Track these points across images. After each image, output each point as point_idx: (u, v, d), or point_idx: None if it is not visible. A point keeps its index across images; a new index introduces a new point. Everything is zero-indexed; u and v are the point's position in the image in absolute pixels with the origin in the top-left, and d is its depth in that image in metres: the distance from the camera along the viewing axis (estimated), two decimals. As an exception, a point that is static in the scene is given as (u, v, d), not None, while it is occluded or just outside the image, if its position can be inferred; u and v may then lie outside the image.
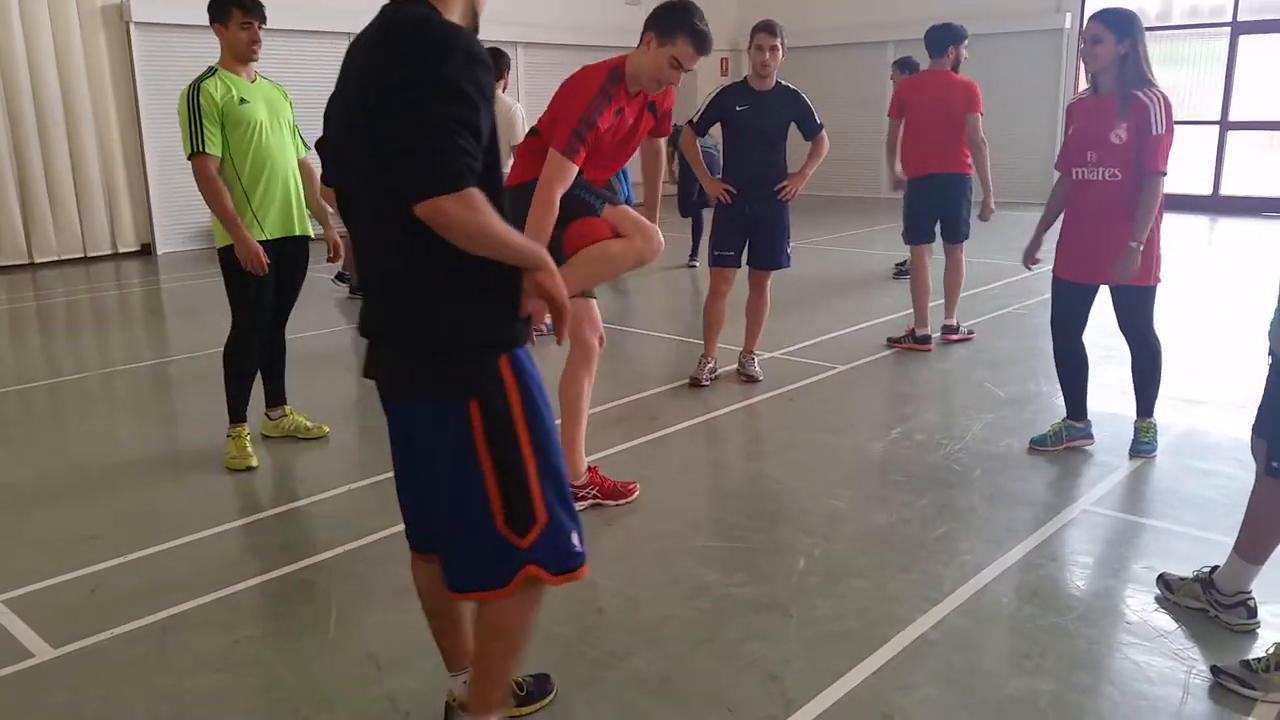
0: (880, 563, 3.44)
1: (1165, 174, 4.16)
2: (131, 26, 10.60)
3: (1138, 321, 4.33)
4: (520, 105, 6.56)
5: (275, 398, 4.84)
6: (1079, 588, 3.26)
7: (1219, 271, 9.61)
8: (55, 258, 10.56)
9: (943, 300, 6.60)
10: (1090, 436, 4.57)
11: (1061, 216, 4.38)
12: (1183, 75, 14.19)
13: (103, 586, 3.35)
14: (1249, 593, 2.96)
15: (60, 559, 3.54)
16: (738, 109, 5.31)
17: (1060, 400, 4.67)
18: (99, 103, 10.58)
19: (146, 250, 11.30)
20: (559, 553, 2.10)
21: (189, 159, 4.23)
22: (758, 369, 5.73)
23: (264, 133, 4.31)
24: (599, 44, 14.31)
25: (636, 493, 4.04)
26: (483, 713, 2.22)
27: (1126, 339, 4.38)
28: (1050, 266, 4.47)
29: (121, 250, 11.08)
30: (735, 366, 5.83)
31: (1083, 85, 13.23)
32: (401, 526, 2.32)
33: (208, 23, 4.31)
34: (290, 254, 4.51)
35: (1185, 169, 14.17)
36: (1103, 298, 4.35)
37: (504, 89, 6.63)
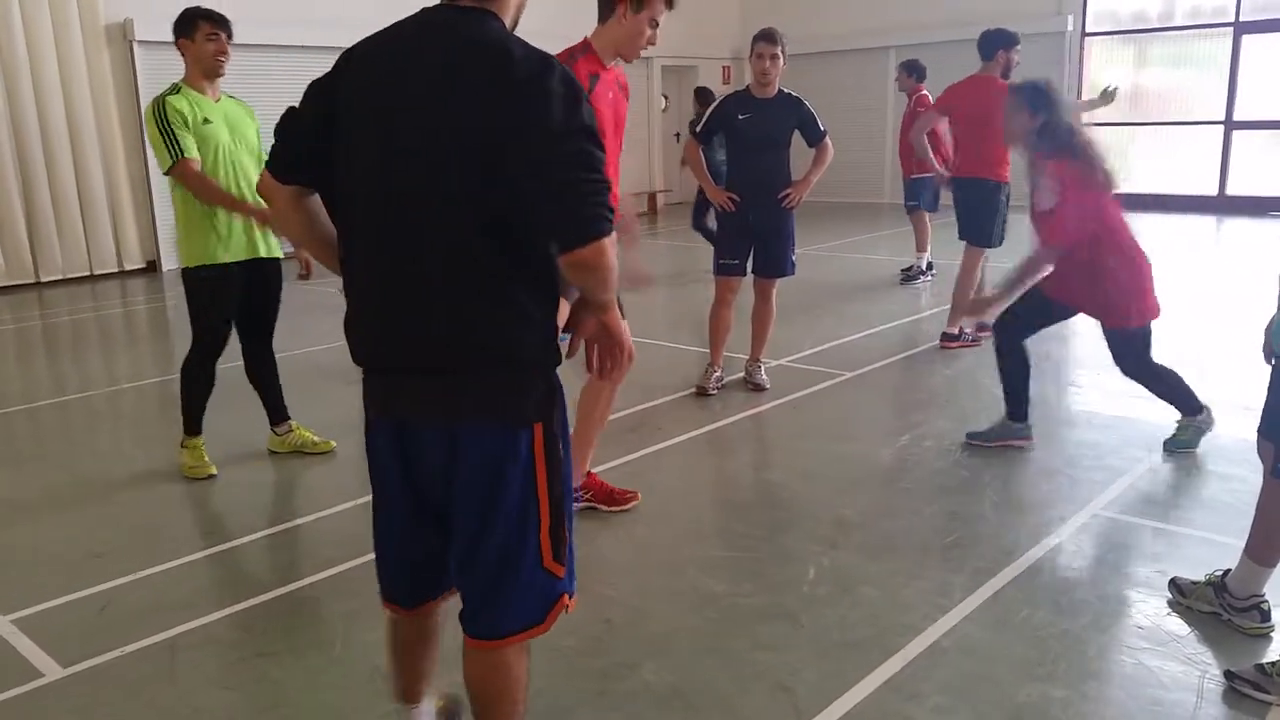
0: (890, 571, 3.43)
1: (1059, 249, 4.16)
2: (135, 45, 10.66)
3: (1128, 358, 4.38)
4: None
5: (277, 414, 4.83)
6: (1090, 593, 3.24)
7: (1226, 271, 9.57)
8: (61, 276, 10.60)
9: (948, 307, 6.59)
10: (1029, 438, 4.58)
11: None
12: (1186, 76, 14.17)
13: (111, 604, 3.34)
14: (1262, 596, 2.94)
15: (68, 577, 3.53)
16: (740, 117, 5.31)
17: (1067, 402, 4.65)
18: (103, 121, 10.62)
19: (152, 267, 11.34)
20: (572, 574, 2.07)
21: (167, 173, 4.22)
22: (764, 377, 5.72)
23: (225, 154, 4.29)
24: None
25: (636, 502, 4.02)
26: None
27: (1131, 379, 4.47)
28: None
29: (127, 268, 11.11)
30: (742, 375, 5.82)
31: (1086, 89, 13.12)
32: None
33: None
34: (261, 276, 4.48)
35: (1190, 170, 14.15)
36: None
37: None
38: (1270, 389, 2.79)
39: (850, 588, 3.31)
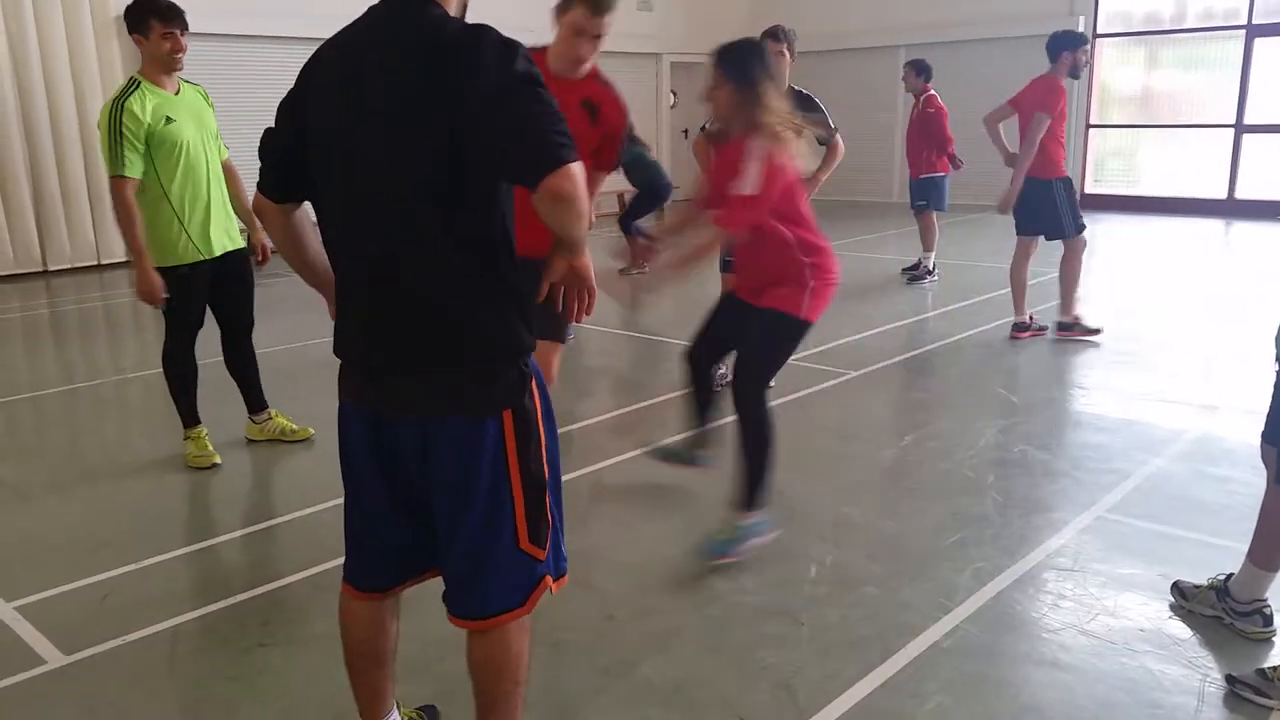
0: (892, 571, 3.42)
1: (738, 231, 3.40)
2: (145, 35, 10.70)
3: (746, 358, 3.54)
4: None
5: (256, 404, 4.84)
6: (1092, 595, 3.24)
7: (1234, 275, 9.54)
8: (69, 265, 10.62)
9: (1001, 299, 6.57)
10: (710, 466, 4.07)
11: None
12: (1197, 78, 14.12)
13: (114, 593, 3.36)
14: (1265, 600, 2.93)
15: (72, 566, 3.55)
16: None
17: (1073, 404, 4.63)
18: (113, 111, 10.63)
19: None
20: (559, 556, 2.11)
21: (110, 177, 4.15)
22: (769, 375, 5.71)
23: (191, 150, 4.23)
24: (611, 49, 14.34)
25: None
26: None
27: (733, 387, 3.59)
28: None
29: (135, 257, 11.12)
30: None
31: (1098, 91, 13.09)
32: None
33: (129, 31, 4.18)
34: (232, 270, 4.48)
35: (1200, 173, 14.10)
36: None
37: None
38: (1275, 394, 2.78)
39: (852, 587, 3.31)
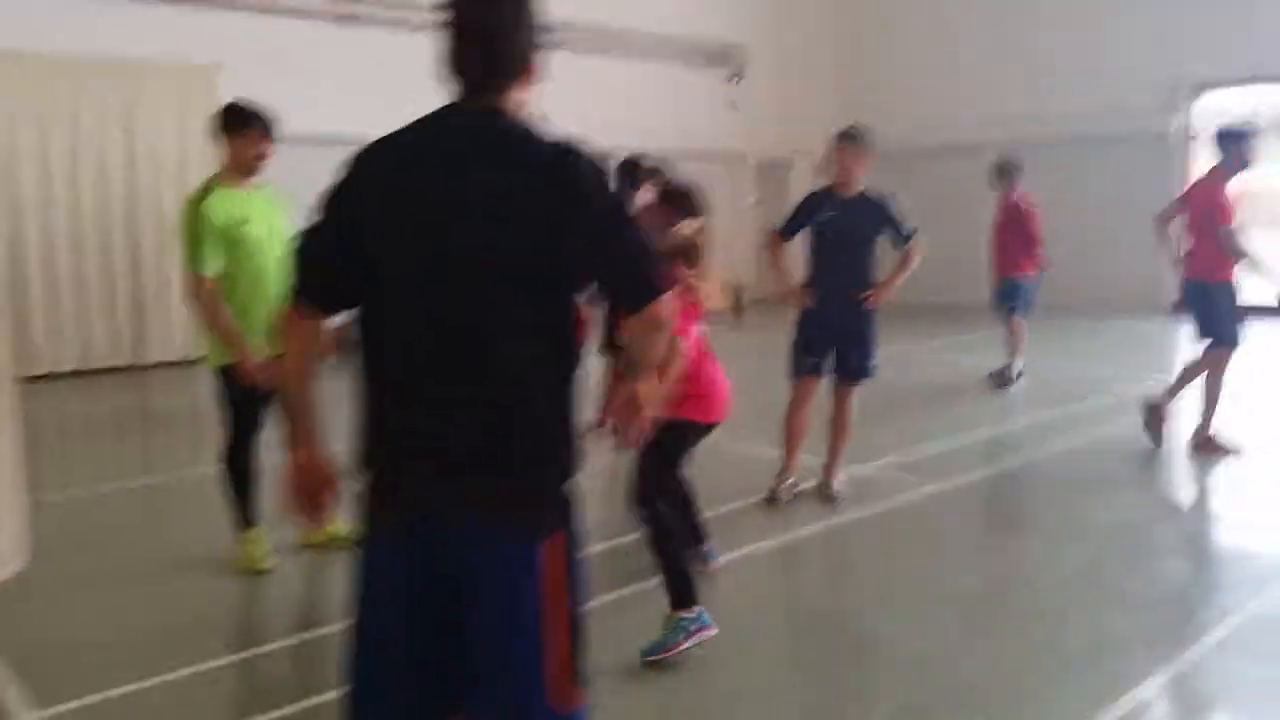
0: (969, 717, 3.13)
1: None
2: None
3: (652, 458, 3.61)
4: None
5: None
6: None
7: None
8: (160, 360, 10.78)
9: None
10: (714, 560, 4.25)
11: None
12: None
13: (155, 699, 3.25)
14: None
15: (108, 671, 3.45)
16: (822, 215, 5.24)
17: (1166, 529, 4.30)
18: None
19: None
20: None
21: (188, 275, 4.21)
22: (840, 488, 5.46)
23: (261, 252, 4.28)
24: (701, 146, 14.44)
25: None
26: None
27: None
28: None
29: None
30: (816, 483, 5.57)
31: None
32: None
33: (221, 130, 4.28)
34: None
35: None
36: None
37: None
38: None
39: (923, 734, 3.04)
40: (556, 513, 1.91)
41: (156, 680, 3.44)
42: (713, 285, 3.79)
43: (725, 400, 3.82)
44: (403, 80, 6.74)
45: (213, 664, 3.58)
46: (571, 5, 13.01)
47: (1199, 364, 6.26)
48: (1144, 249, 13.94)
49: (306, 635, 3.90)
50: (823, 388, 5.47)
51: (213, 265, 4.18)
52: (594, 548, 3.58)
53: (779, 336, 9.40)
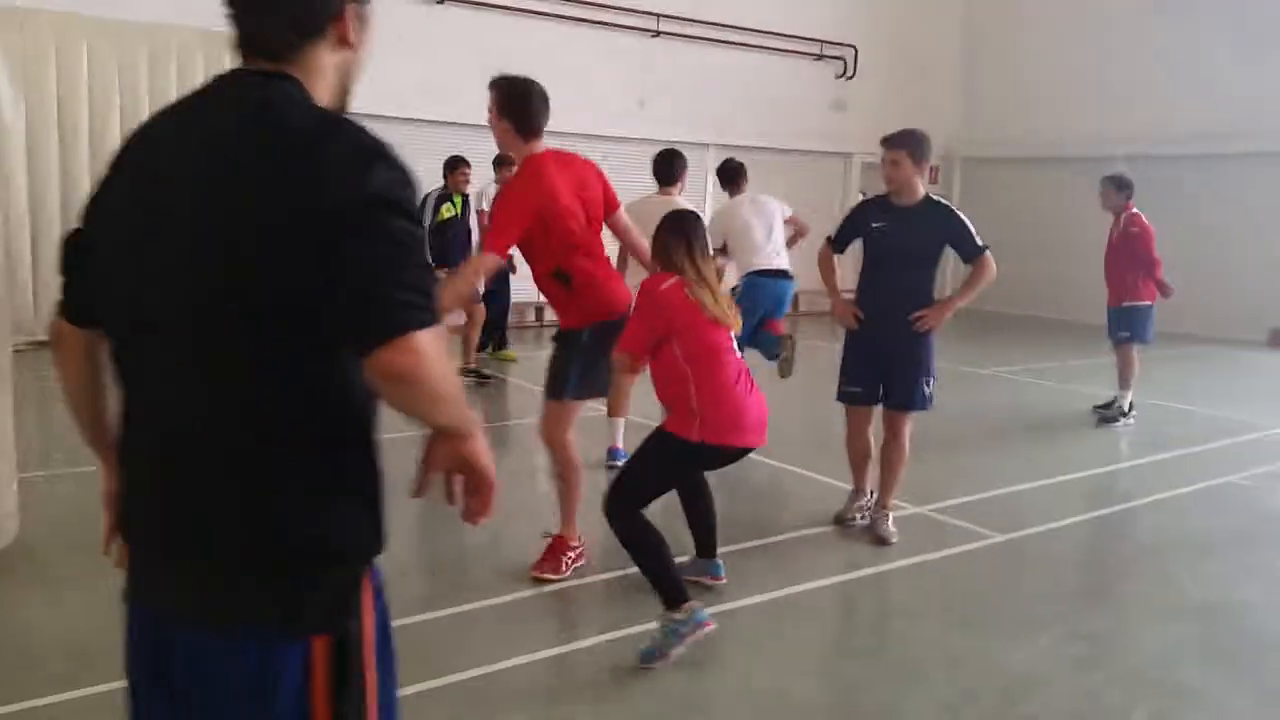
0: None
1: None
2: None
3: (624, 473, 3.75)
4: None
5: None
6: None
7: None
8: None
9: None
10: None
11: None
12: None
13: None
14: None
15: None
16: (874, 226, 4.67)
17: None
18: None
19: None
20: None
21: None
22: (891, 529, 4.79)
23: None
24: (800, 148, 13.91)
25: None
26: None
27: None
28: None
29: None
30: (865, 522, 4.93)
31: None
32: None
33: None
34: None
35: None
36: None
37: (680, 192, 6.09)
38: None
39: None
40: (309, 612, 1.40)
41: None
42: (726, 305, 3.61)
43: (737, 423, 3.55)
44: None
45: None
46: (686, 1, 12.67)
47: None
48: (1268, 273, 12.71)
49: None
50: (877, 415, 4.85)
51: None
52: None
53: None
